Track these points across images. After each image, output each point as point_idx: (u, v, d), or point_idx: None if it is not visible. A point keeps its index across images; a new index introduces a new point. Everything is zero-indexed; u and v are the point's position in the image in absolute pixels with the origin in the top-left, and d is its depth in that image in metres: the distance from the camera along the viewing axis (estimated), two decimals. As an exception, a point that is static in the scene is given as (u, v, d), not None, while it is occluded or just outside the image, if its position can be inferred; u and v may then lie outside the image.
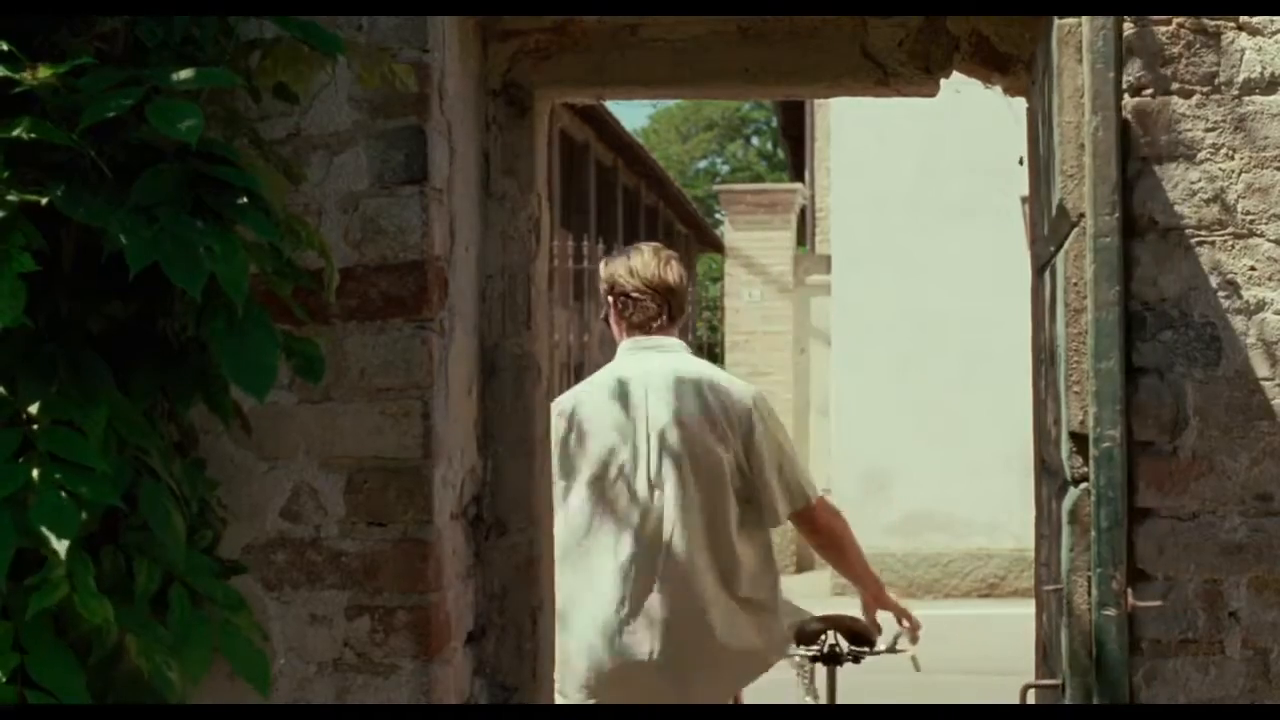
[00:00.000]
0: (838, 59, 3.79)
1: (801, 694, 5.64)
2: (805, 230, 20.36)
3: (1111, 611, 3.22)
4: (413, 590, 3.33)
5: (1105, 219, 3.24)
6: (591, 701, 4.75)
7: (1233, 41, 3.33)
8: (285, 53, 2.97)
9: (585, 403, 4.85)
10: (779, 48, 3.79)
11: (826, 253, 17.32)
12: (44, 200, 2.67)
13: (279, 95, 3.02)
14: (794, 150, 25.97)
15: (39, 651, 2.65)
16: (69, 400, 2.72)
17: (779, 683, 5.45)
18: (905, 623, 5.19)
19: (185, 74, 2.76)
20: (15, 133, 2.65)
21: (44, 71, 2.67)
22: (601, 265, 5.11)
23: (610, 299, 4.97)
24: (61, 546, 2.59)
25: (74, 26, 2.84)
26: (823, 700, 5.50)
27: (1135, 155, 3.32)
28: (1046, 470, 3.75)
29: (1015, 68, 3.78)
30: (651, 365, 4.85)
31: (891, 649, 5.32)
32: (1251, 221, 3.33)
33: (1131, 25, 3.31)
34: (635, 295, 4.91)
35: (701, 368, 4.97)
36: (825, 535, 5.05)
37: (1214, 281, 3.32)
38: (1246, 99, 3.33)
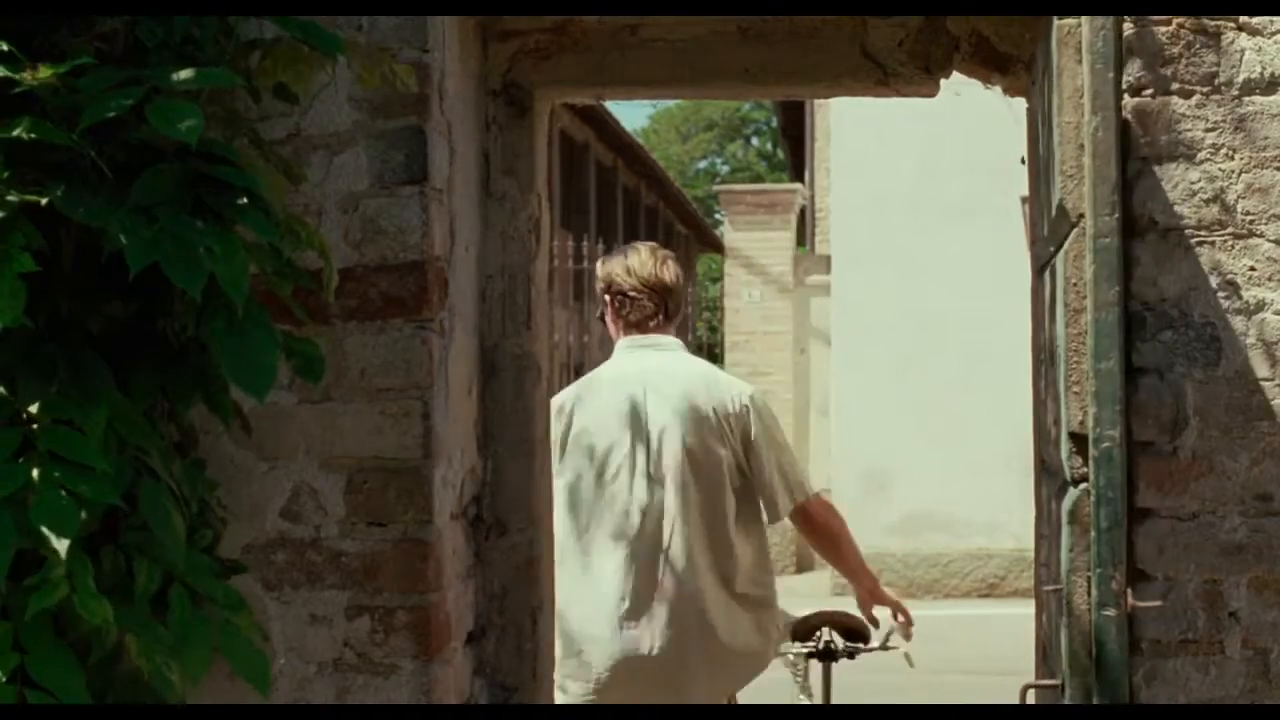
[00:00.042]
0: (838, 59, 3.79)
1: (795, 691, 5.63)
2: (805, 230, 20.36)
3: (1111, 611, 3.22)
4: (413, 590, 3.33)
5: (1105, 219, 3.24)
6: (592, 699, 4.75)
7: (1233, 42, 3.33)
8: (285, 53, 2.96)
9: (583, 400, 4.86)
10: (779, 48, 3.79)
11: (826, 253, 17.31)
12: (44, 200, 2.67)
13: (279, 95, 3.02)
14: (794, 150, 25.96)
15: (39, 651, 2.65)
16: (69, 400, 2.72)
17: (774, 681, 5.44)
18: (900, 617, 5.20)
19: (185, 74, 2.76)
20: (15, 133, 2.64)
21: (44, 71, 2.67)
22: (598, 264, 5.12)
23: (607, 298, 4.98)
24: (61, 546, 2.59)
25: (74, 26, 2.83)
26: (817, 697, 5.50)
27: (1135, 155, 3.32)
28: (1046, 470, 3.75)
29: (1015, 68, 3.78)
30: (649, 363, 4.86)
31: (884, 645, 5.33)
32: (1251, 222, 3.32)
33: (1131, 25, 3.31)
34: (632, 294, 4.92)
35: (699, 366, 4.98)
36: (822, 531, 5.08)
37: (1214, 282, 3.32)
38: (1246, 99, 3.32)
